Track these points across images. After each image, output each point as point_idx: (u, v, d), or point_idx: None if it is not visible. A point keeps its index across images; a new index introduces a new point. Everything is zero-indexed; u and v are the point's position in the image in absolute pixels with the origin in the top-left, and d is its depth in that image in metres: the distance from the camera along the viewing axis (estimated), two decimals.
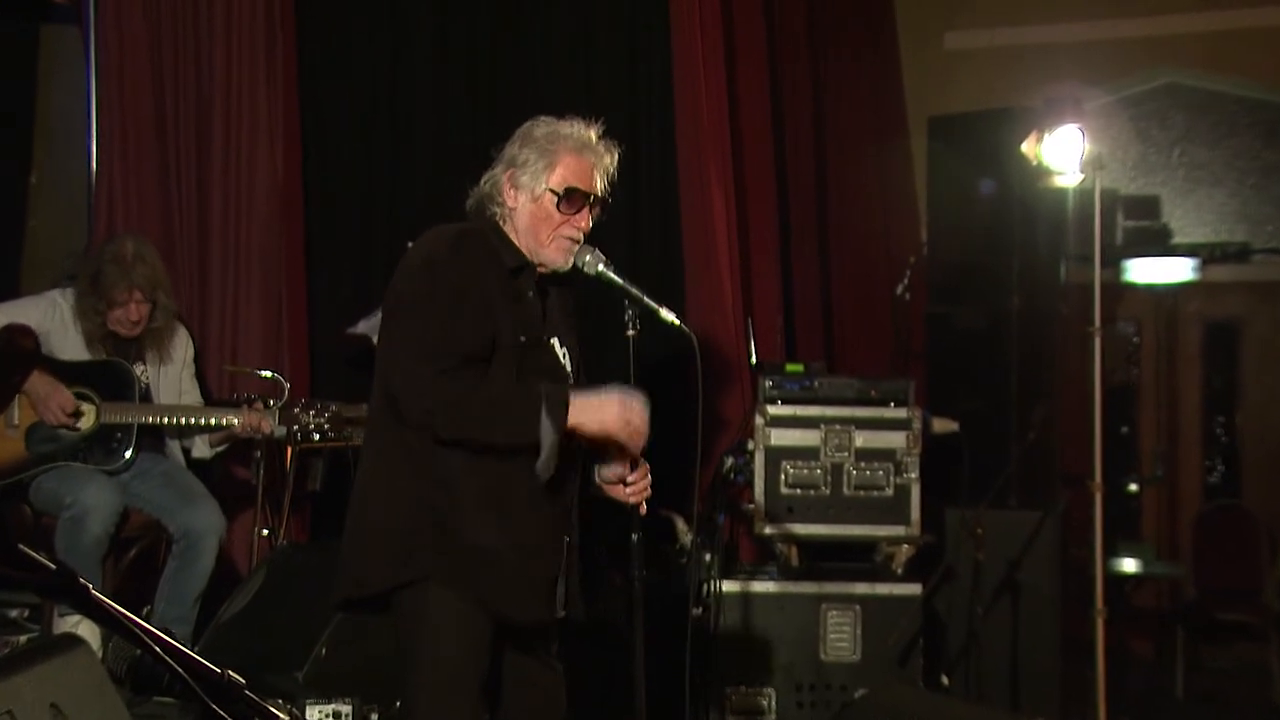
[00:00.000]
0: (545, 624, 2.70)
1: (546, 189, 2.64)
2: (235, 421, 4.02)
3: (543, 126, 2.68)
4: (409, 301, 2.58)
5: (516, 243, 2.68)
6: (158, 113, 4.60)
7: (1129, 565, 5.81)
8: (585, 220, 2.68)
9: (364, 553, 2.62)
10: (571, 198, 2.65)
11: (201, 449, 4.25)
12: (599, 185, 2.69)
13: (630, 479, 2.67)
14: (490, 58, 5.25)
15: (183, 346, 4.25)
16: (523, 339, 2.60)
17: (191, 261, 4.67)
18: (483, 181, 2.71)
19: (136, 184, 4.58)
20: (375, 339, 4.46)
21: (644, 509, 2.71)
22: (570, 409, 2.53)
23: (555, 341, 2.70)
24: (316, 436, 4.01)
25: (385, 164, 5.17)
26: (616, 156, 2.71)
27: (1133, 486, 6.38)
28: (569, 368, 2.72)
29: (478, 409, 2.51)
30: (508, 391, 2.54)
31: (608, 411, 2.56)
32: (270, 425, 3.99)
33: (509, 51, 5.25)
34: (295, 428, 3.99)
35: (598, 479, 2.74)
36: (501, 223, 2.69)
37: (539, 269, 2.69)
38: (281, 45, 4.77)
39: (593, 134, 2.69)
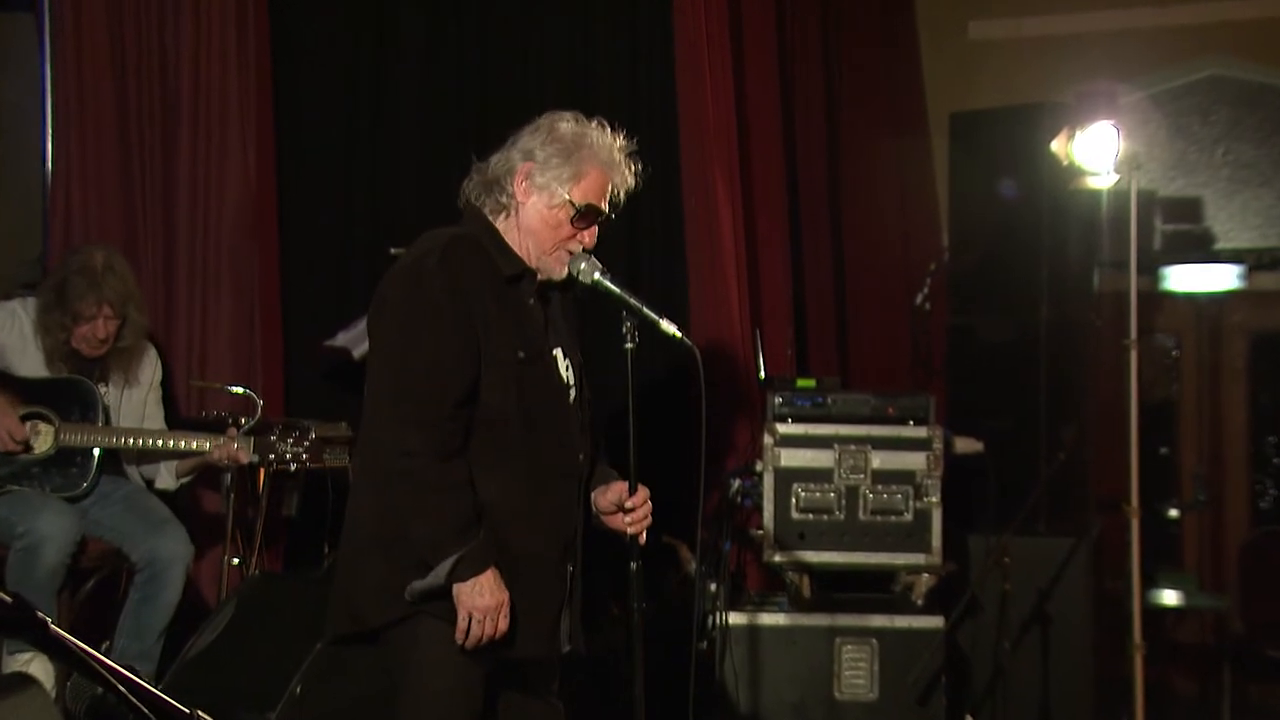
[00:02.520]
0: (547, 660, 2.72)
1: (567, 199, 2.67)
2: (207, 446, 4.02)
3: (569, 123, 2.70)
4: (397, 328, 2.61)
5: (514, 245, 2.70)
6: (119, 107, 4.63)
7: (1169, 597, 5.81)
8: (592, 237, 2.73)
9: (359, 586, 2.65)
10: (588, 214, 2.70)
11: (166, 480, 4.25)
12: (610, 202, 2.73)
13: (629, 505, 2.69)
14: (481, 50, 5.27)
15: (151, 368, 4.26)
16: (522, 355, 2.62)
17: (156, 268, 4.69)
18: (492, 163, 2.72)
19: (96, 184, 4.60)
20: (354, 352, 4.54)
21: (644, 538, 2.73)
22: (476, 579, 2.54)
23: (559, 353, 2.73)
24: (294, 466, 4.03)
25: (366, 165, 5.19)
26: (637, 178, 2.75)
27: (1173, 512, 6.37)
28: (571, 381, 2.75)
29: (423, 499, 2.55)
30: (457, 515, 2.56)
31: (477, 600, 2.56)
32: (246, 455, 3.99)
33: (501, 43, 5.28)
34: (271, 457, 4.00)
35: (594, 507, 2.76)
36: (497, 216, 2.71)
37: (536, 274, 2.72)
38: (254, 35, 4.79)
39: (620, 151, 2.72)
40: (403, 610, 2.59)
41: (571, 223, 2.69)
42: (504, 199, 2.70)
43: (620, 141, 2.72)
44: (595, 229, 2.72)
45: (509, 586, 2.59)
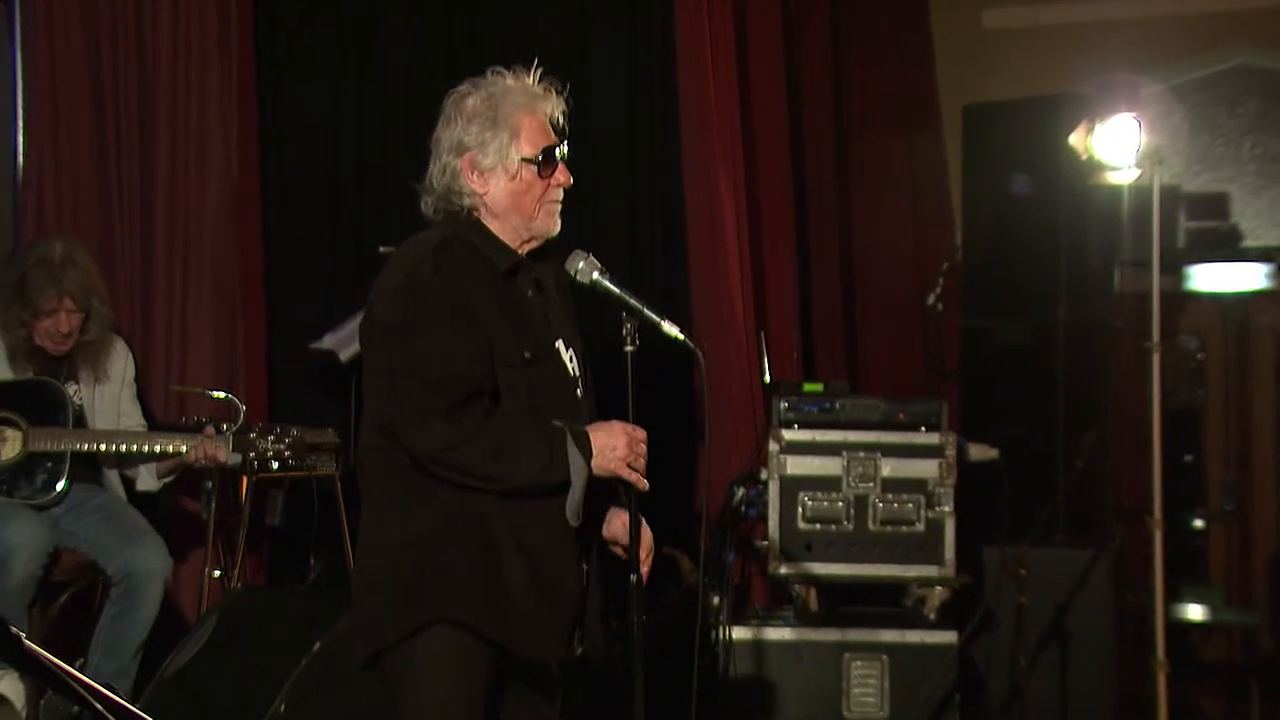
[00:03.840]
0: (559, 663, 2.76)
1: (520, 161, 2.69)
2: (183, 449, 4.02)
3: (472, 96, 2.70)
4: (398, 329, 2.61)
5: (503, 236, 2.72)
6: (94, 96, 4.64)
7: (1194, 612, 5.81)
8: (566, 175, 2.75)
9: (373, 601, 2.68)
10: (548, 158, 2.72)
11: (147, 481, 4.26)
12: (556, 132, 2.75)
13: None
14: (470, 39, 5.29)
15: (121, 363, 4.26)
16: (527, 355, 2.64)
17: (134, 267, 4.70)
18: (432, 178, 2.73)
19: (70, 178, 4.61)
20: (342, 354, 4.56)
21: (646, 577, 2.76)
22: (596, 448, 2.62)
23: (561, 344, 2.76)
24: (276, 465, 4.02)
25: (354, 160, 5.21)
26: (561, 95, 2.76)
27: (1198, 522, 6.38)
28: (576, 372, 2.78)
29: (498, 446, 2.58)
30: (527, 426, 2.61)
31: (614, 455, 2.65)
32: (225, 454, 3.99)
33: (492, 32, 5.29)
34: (252, 455, 4.00)
35: (605, 532, 2.80)
36: (478, 215, 2.73)
37: (530, 243, 2.75)
38: (236, 25, 4.81)
39: (531, 81, 2.74)
40: (415, 622, 2.61)
41: (539, 176, 2.71)
42: (467, 200, 2.71)
43: (527, 77, 2.74)
44: (564, 167, 2.74)
45: (528, 591, 2.63)
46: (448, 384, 2.56)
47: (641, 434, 2.68)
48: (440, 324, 2.58)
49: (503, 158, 2.68)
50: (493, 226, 2.73)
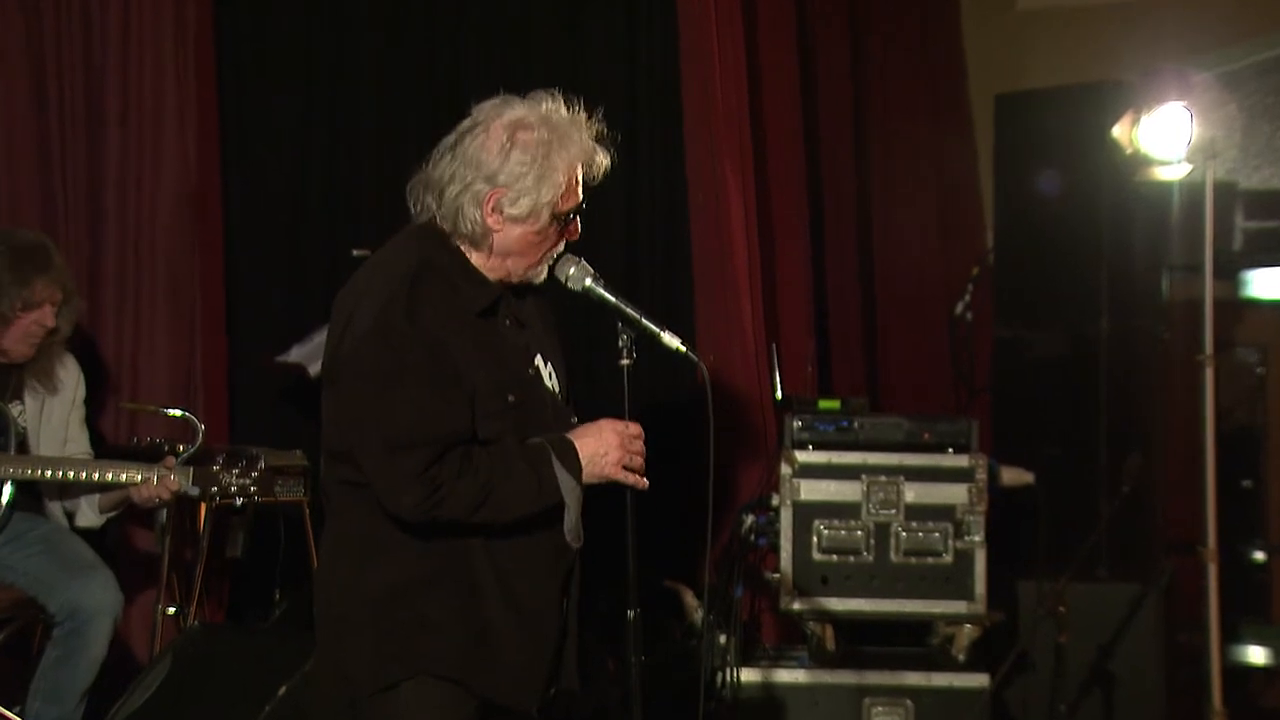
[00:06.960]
0: (537, 709, 2.79)
1: (551, 216, 2.71)
2: (137, 479, 3.98)
3: (529, 130, 2.67)
4: (367, 387, 2.63)
5: (485, 267, 2.74)
6: (36, 86, 4.65)
7: (1255, 654, 5.82)
8: (578, 230, 2.78)
9: (347, 645, 2.71)
10: (574, 213, 2.75)
11: (88, 516, 4.22)
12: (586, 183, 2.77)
13: None
14: (453, 27, 5.31)
15: (73, 381, 4.24)
16: (511, 398, 2.68)
17: (80, 273, 4.69)
18: (443, 182, 2.70)
19: (8, 177, 4.62)
20: (310, 369, 4.58)
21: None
22: (585, 458, 2.68)
23: (539, 360, 2.78)
24: (240, 502, 3.99)
25: (323, 155, 5.22)
26: (613, 150, 2.78)
27: (1258, 555, 6.39)
28: (557, 389, 2.82)
29: (481, 492, 2.62)
30: (509, 456, 2.65)
31: (608, 460, 2.70)
32: (180, 484, 3.94)
33: (476, 19, 5.32)
34: (215, 490, 3.96)
35: None
36: (463, 243, 2.74)
37: (510, 281, 2.78)
38: (194, 5, 4.82)
39: (589, 133, 2.73)
40: (395, 675, 2.66)
41: (558, 231, 2.74)
42: (469, 229, 2.71)
43: (581, 116, 2.73)
44: (578, 221, 2.77)
45: (510, 629, 2.68)
46: (419, 445, 2.59)
47: (635, 429, 2.73)
48: (412, 379, 2.60)
49: (536, 210, 2.69)
50: (474, 258, 2.73)
